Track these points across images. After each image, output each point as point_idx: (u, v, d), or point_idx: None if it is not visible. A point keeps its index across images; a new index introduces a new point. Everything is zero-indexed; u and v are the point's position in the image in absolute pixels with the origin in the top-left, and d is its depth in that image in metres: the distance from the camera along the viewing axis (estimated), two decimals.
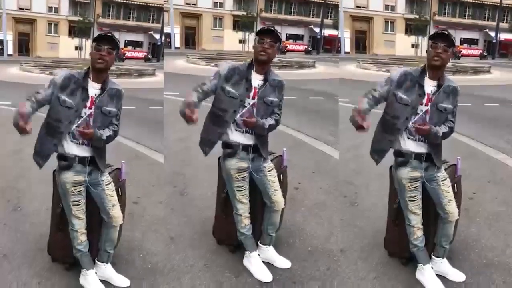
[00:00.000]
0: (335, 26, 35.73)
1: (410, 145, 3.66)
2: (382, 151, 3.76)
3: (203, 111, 3.78)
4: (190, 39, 37.82)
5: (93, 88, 3.54)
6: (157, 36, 34.95)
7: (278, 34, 3.75)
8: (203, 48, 36.97)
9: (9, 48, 34.79)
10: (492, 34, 36.78)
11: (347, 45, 34.09)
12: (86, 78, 3.54)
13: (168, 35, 35.26)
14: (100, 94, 3.55)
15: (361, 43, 35.50)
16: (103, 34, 3.52)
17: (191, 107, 3.61)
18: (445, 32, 3.53)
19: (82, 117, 3.54)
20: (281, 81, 3.89)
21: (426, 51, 3.60)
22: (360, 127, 3.54)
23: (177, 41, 36.50)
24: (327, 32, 36.90)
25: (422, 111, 3.60)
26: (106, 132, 3.60)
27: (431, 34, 3.60)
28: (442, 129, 3.63)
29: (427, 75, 3.60)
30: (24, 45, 35.72)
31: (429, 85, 3.59)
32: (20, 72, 24.77)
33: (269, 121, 3.86)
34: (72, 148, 3.57)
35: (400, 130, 3.64)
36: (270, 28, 3.73)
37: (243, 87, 3.77)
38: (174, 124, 9.52)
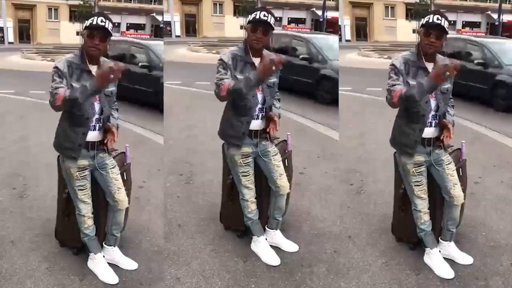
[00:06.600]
0: (338, 8, 35.38)
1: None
2: (414, 142, 3.61)
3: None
4: (191, 26, 37.52)
5: (92, 71, 3.48)
6: (160, 18, 34.63)
7: (270, 23, 3.67)
8: (204, 35, 36.67)
9: (10, 36, 34.54)
10: (495, 16, 36.32)
11: (347, 33, 33.79)
12: (84, 61, 3.47)
13: (168, 24, 34.93)
14: None
15: (361, 30, 35.22)
16: (95, 24, 3.39)
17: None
18: (439, 21, 3.44)
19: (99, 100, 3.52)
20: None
21: (417, 33, 3.53)
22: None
23: (177, 29, 36.19)
24: (330, 14, 36.46)
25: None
26: (115, 115, 3.70)
27: (423, 21, 3.48)
28: (451, 113, 3.71)
29: (423, 58, 3.55)
30: (24, 32, 35.49)
31: (429, 68, 3.55)
32: (21, 59, 24.69)
33: (277, 105, 3.96)
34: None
35: (425, 116, 3.56)
36: (262, 19, 3.66)
37: (251, 71, 3.73)
38: (178, 113, 9.53)
